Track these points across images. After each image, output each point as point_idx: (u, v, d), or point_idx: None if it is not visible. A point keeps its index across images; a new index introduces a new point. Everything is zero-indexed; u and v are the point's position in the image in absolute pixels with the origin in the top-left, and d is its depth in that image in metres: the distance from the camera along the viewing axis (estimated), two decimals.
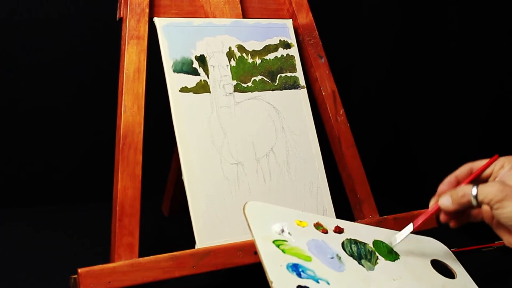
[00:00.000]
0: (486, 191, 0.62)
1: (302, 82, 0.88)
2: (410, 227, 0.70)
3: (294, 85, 0.87)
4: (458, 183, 0.69)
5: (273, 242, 0.63)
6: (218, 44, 0.82)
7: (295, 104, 0.86)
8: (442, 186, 0.69)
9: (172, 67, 0.78)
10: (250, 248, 0.73)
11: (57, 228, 1.03)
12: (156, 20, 0.79)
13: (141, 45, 0.77)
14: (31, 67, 1.12)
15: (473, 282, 0.71)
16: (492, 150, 1.09)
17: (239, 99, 0.82)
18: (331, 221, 0.71)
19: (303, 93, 0.87)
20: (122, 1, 0.79)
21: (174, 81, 0.78)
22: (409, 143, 1.26)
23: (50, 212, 1.11)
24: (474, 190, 0.63)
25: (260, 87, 0.84)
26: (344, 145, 0.88)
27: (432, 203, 0.69)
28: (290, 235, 0.65)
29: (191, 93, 0.79)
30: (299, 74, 0.88)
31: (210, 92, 0.80)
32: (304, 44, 0.90)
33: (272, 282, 0.57)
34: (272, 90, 0.85)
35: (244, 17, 0.86)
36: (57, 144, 1.16)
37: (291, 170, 0.83)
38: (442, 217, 0.68)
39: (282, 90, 0.86)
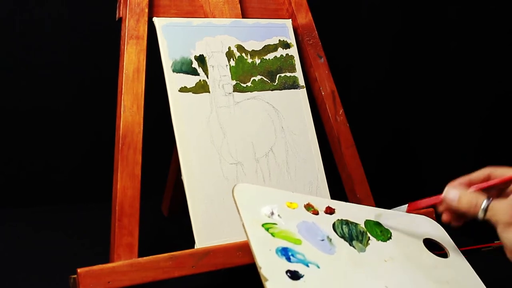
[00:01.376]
0: (497, 209, 0.59)
1: (301, 82, 0.88)
2: (404, 207, 0.70)
3: (294, 85, 0.87)
4: (470, 184, 0.66)
5: (262, 225, 0.62)
6: (217, 44, 0.82)
7: (295, 104, 0.86)
8: (454, 183, 0.66)
9: (171, 67, 0.78)
10: (249, 248, 0.73)
11: (57, 228, 1.03)
12: (155, 20, 0.79)
13: (141, 45, 0.77)
14: (31, 67, 1.13)
15: (466, 260, 0.71)
16: (492, 150, 1.09)
17: (239, 99, 0.82)
18: (322, 201, 0.70)
19: (302, 93, 0.87)
20: (122, 1, 0.79)
21: (173, 81, 0.78)
22: (409, 143, 1.26)
23: (50, 212, 1.11)
24: (485, 203, 0.60)
25: (260, 87, 0.84)
26: (343, 145, 0.88)
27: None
28: (280, 217, 0.64)
29: (191, 93, 0.79)
30: (299, 74, 0.88)
31: (209, 92, 0.80)
32: (303, 44, 0.90)
33: (260, 268, 0.57)
34: (272, 90, 0.85)
35: (243, 17, 0.86)
36: (57, 144, 1.16)
37: (291, 170, 0.83)
38: (445, 217, 0.66)
39: (281, 90, 0.86)
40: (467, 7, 1.11)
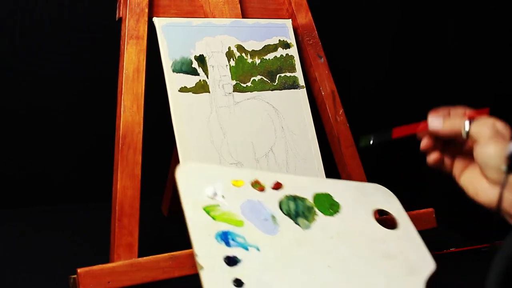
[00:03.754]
0: (478, 127, 0.63)
1: (301, 82, 0.88)
2: (388, 134, 0.70)
3: (294, 85, 0.87)
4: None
5: (204, 208, 0.60)
6: (217, 44, 0.82)
7: (295, 104, 0.86)
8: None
9: (171, 67, 0.78)
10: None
11: (57, 228, 1.02)
12: (155, 20, 0.80)
13: (141, 45, 0.77)
14: (31, 67, 1.12)
15: (415, 230, 0.70)
16: None
17: (239, 99, 0.82)
18: (271, 176, 0.68)
19: (302, 93, 0.87)
20: (122, 1, 0.79)
21: (173, 81, 0.78)
22: (409, 143, 1.26)
23: (50, 212, 1.11)
24: (467, 123, 0.64)
25: (260, 87, 0.84)
26: (343, 145, 0.88)
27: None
28: (224, 198, 0.62)
29: (191, 93, 0.79)
30: (299, 74, 0.88)
31: (209, 92, 0.80)
32: (303, 44, 0.90)
33: (197, 255, 0.56)
34: (272, 90, 0.85)
35: (243, 17, 0.86)
36: (57, 144, 1.16)
37: (291, 170, 0.83)
38: (425, 142, 0.69)
39: (281, 90, 0.86)
40: (467, 7, 1.12)
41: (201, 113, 0.79)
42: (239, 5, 0.86)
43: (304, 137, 0.86)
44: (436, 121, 0.67)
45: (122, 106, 0.75)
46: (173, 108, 0.77)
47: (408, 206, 0.93)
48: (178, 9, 0.82)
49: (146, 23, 0.78)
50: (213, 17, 0.84)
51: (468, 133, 0.64)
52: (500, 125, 0.65)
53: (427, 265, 0.67)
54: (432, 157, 0.69)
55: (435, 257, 0.71)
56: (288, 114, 0.85)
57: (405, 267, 0.65)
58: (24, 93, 1.13)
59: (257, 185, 0.66)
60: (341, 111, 0.89)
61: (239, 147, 0.80)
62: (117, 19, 0.80)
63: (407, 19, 1.25)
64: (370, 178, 0.89)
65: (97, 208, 0.99)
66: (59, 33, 1.13)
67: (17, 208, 1.12)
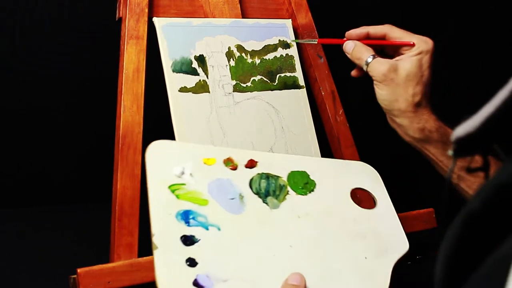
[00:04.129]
0: (374, 67, 0.69)
1: (301, 82, 0.88)
2: (314, 40, 0.83)
3: (294, 85, 0.87)
4: (367, 36, 0.75)
5: (169, 187, 0.58)
6: (217, 44, 0.82)
7: (295, 104, 0.86)
8: (353, 32, 0.75)
9: (171, 67, 0.78)
10: None
11: (57, 228, 1.03)
12: (155, 20, 0.79)
13: (141, 45, 0.77)
14: (31, 67, 1.12)
15: (393, 210, 0.68)
16: None
17: (239, 99, 0.82)
18: (245, 154, 0.65)
19: (302, 93, 0.87)
20: (122, 1, 0.79)
21: (173, 81, 0.78)
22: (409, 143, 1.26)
23: (50, 212, 1.11)
24: (369, 59, 0.70)
25: (260, 87, 0.84)
26: (343, 145, 0.88)
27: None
28: (192, 176, 0.59)
29: (191, 93, 0.79)
30: (299, 74, 0.88)
31: (209, 92, 0.80)
32: (303, 44, 0.90)
33: (153, 235, 0.54)
34: (272, 90, 0.85)
35: (243, 17, 0.86)
36: (56, 144, 1.16)
37: None
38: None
39: (281, 90, 0.86)
40: (467, 7, 1.12)
41: (201, 113, 0.79)
42: (239, 5, 0.86)
43: (304, 137, 0.86)
44: (348, 46, 0.74)
45: (122, 106, 0.75)
46: (173, 108, 0.77)
47: (408, 206, 0.93)
48: (178, 9, 0.82)
49: (146, 23, 0.78)
50: (213, 17, 0.84)
51: (366, 70, 0.70)
52: (406, 59, 0.68)
53: (400, 247, 0.64)
54: (353, 73, 0.77)
55: (435, 257, 0.71)
56: (288, 114, 0.85)
57: (375, 248, 0.63)
58: (24, 93, 1.13)
59: (230, 163, 0.63)
60: (341, 111, 0.89)
61: (239, 147, 0.80)
62: (117, 19, 0.80)
63: (407, 19, 1.25)
64: None
65: (97, 208, 0.99)
66: (59, 33, 1.13)
67: (17, 208, 1.12)
